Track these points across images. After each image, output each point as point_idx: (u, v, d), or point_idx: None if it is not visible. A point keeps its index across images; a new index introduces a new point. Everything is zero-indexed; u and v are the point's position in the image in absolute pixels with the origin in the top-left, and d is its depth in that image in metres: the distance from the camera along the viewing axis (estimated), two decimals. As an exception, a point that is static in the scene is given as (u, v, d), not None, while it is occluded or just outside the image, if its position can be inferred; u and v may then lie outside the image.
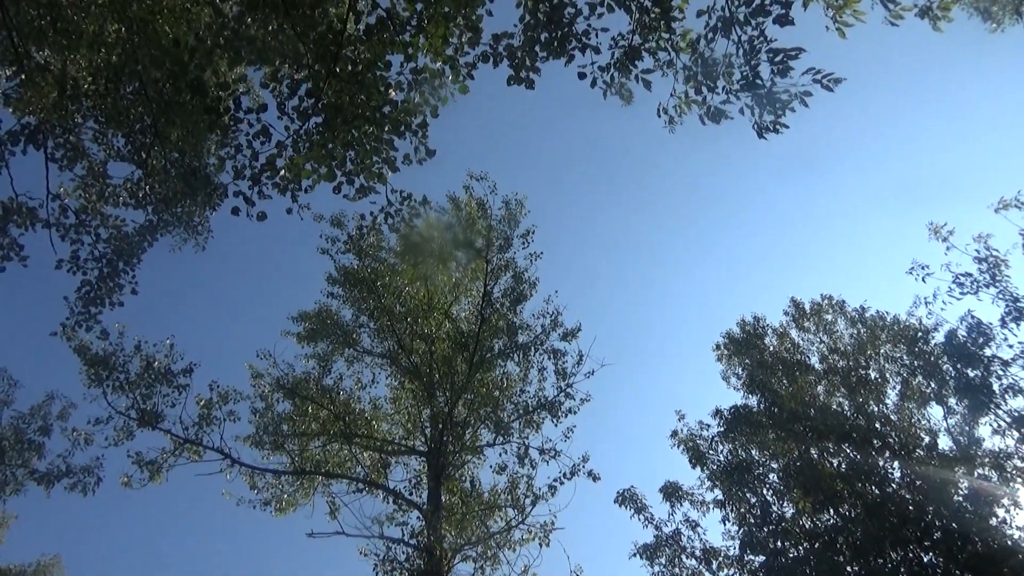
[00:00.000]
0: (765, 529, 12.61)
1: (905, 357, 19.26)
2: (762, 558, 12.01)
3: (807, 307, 25.32)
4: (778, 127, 6.64)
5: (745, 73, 6.53)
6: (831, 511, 12.62)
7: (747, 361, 22.29)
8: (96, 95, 11.45)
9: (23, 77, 10.52)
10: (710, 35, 6.47)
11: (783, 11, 6.26)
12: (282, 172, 7.33)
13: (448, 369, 17.67)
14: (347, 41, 8.05)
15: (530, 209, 18.68)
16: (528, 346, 18.18)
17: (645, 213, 56.61)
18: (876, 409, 21.42)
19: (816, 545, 12.02)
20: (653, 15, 6.54)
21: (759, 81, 6.50)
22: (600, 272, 55.15)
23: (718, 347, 23.78)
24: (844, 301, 23.76)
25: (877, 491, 12.91)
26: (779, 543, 12.26)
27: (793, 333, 24.90)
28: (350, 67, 7.97)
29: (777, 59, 6.45)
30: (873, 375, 21.91)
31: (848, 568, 11.63)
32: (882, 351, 21.39)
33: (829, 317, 24.28)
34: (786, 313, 25.26)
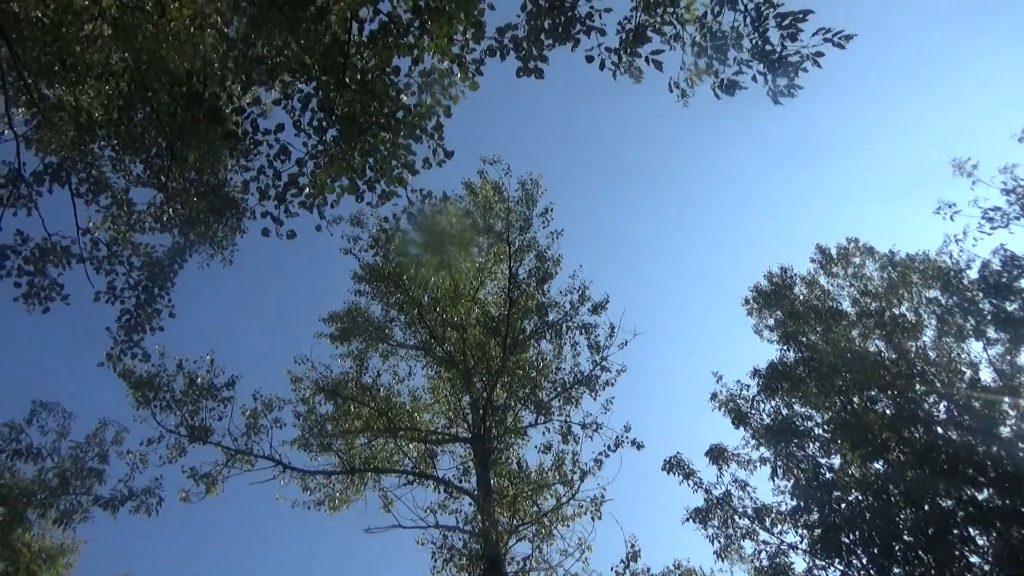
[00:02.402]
0: (815, 483, 12.69)
1: (939, 295, 19.04)
2: (815, 513, 12.09)
3: (833, 252, 25.12)
4: (792, 91, 6.61)
5: (755, 41, 6.50)
6: (880, 460, 12.64)
7: (778, 313, 22.19)
8: (109, 124, 11.62)
9: (40, 118, 10.71)
10: (716, 8, 6.43)
11: (787, -26, 6.22)
12: (306, 190, 7.43)
13: (482, 354, 17.83)
14: (353, 50, 8.10)
15: (546, 188, 18.66)
16: (559, 323, 18.30)
17: (657, 179, 56.16)
18: (914, 348, 21.30)
19: (868, 495, 12.08)
20: (656, -7, 6.50)
21: (769, 47, 6.47)
22: (621, 243, 54.97)
23: (747, 301, 23.66)
24: (871, 245, 23.52)
25: (924, 435, 12.89)
26: (831, 495, 12.34)
27: (822, 280, 24.69)
28: (359, 76, 8.03)
29: (785, 23, 6.41)
30: (908, 315, 21.76)
31: (902, 515, 11.68)
32: (914, 291, 21.19)
33: (857, 260, 24.07)
34: (812, 260, 25.04)
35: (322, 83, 8.23)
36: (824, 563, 11.14)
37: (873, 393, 14.68)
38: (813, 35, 6.43)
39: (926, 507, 11.35)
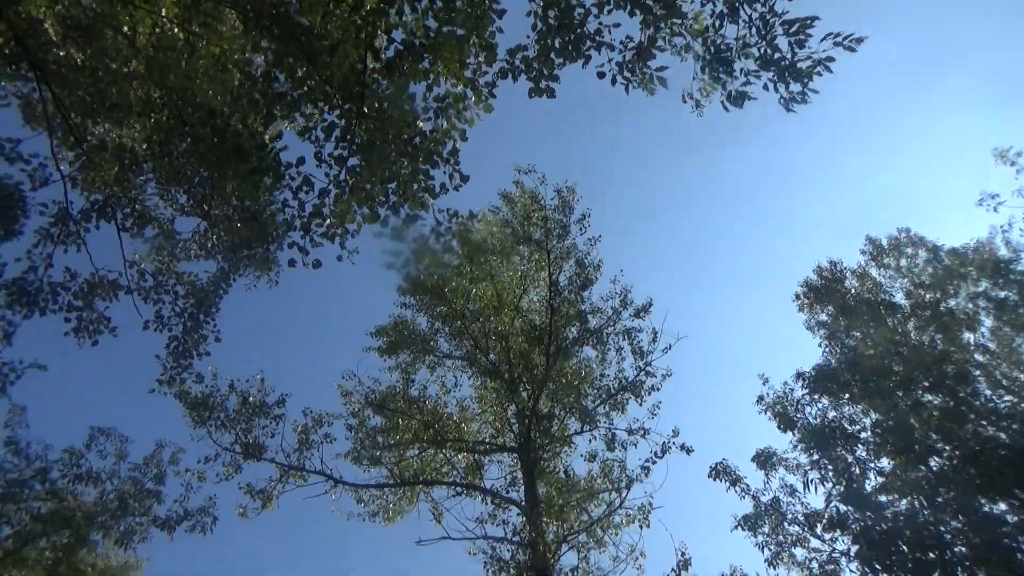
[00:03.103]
0: (862, 489, 12.33)
1: (989, 286, 18.35)
2: (868, 516, 11.75)
3: (884, 243, 24.40)
4: (805, 98, 6.49)
5: (763, 50, 6.41)
6: (926, 465, 12.21)
7: (830, 308, 21.67)
8: (153, 158, 12.08)
9: (84, 159, 11.21)
10: (717, 22, 6.36)
11: (791, -19, 6.12)
12: (327, 220, 7.62)
13: (527, 363, 17.88)
14: (370, 79, 8.26)
15: (581, 196, 18.63)
16: (601, 329, 18.23)
17: (696, 176, 55.34)
18: (972, 340, 20.56)
19: (916, 501, 11.68)
20: (659, 12, 6.46)
21: (778, 55, 6.37)
22: (661, 247, 54.35)
23: (797, 297, 23.16)
24: (922, 235, 22.81)
25: (975, 435, 12.40)
26: (878, 501, 11.98)
27: (873, 272, 24.04)
28: (376, 104, 8.19)
29: (793, 30, 6.30)
30: (966, 305, 21.01)
31: (954, 521, 11.25)
32: (968, 282, 20.47)
33: (909, 251, 23.36)
34: (863, 252, 24.41)
35: (344, 112, 8.42)
36: (876, 570, 10.81)
37: (925, 386, 14.19)
38: (822, 40, 6.32)
39: (978, 512, 10.93)
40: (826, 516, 12.20)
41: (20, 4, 10.56)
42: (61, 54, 10.99)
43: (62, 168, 11.29)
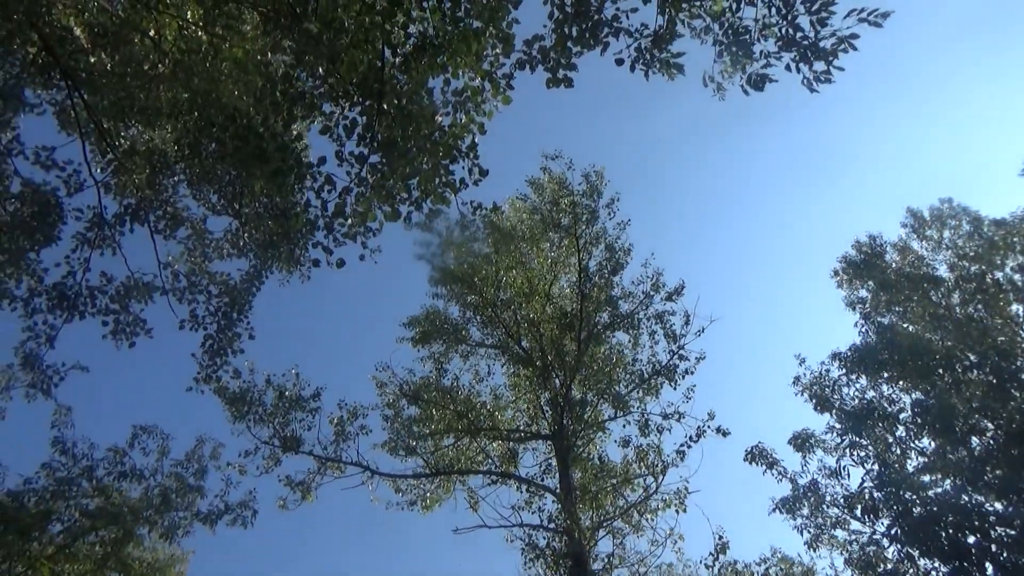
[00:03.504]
0: (901, 470, 12.10)
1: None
2: (908, 497, 11.53)
3: (926, 215, 23.76)
4: (830, 77, 6.32)
5: (784, 30, 6.25)
6: (970, 445, 11.93)
7: (870, 283, 21.21)
8: (183, 159, 12.27)
9: (116, 164, 11.42)
10: (735, 3, 6.21)
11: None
12: (350, 220, 7.65)
13: (558, 350, 17.85)
14: (388, 75, 8.25)
15: (609, 179, 18.46)
16: (633, 313, 18.11)
17: (726, 156, 54.43)
18: (1020, 311, 19.96)
19: (959, 481, 11.43)
20: (675, -5, 6.33)
21: (799, 35, 6.20)
22: (692, 229, 53.67)
23: (836, 273, 22.71)
24: (966, 205, 22.15)
25: (1021, 412, 12.05)
26: (919, 483, 11.75)
27: (915, 245, 23.44)
28: (395, 100, 8.18)
29: (815, 8, 6.13)
30: (1012, 276, 20.39)
31: (998, 503, 10.98)
32: (1017, 253, 19.85)
33: (952, 223, 22.71)
34: (904, 225, 23.79)
35: (364, 109, 8.43)
36: (912, 555, 10.63)
37: (968, 364, 13.83)
38: (846, 17, 6.14)
39: (1019, 494, 10.65)
40: (863, 499, 12.02)
41: (50, 14, 10.78)
42: (91, 60, 11.17)
43: (95, 173, 11.53)
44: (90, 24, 11.09)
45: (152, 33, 10.85)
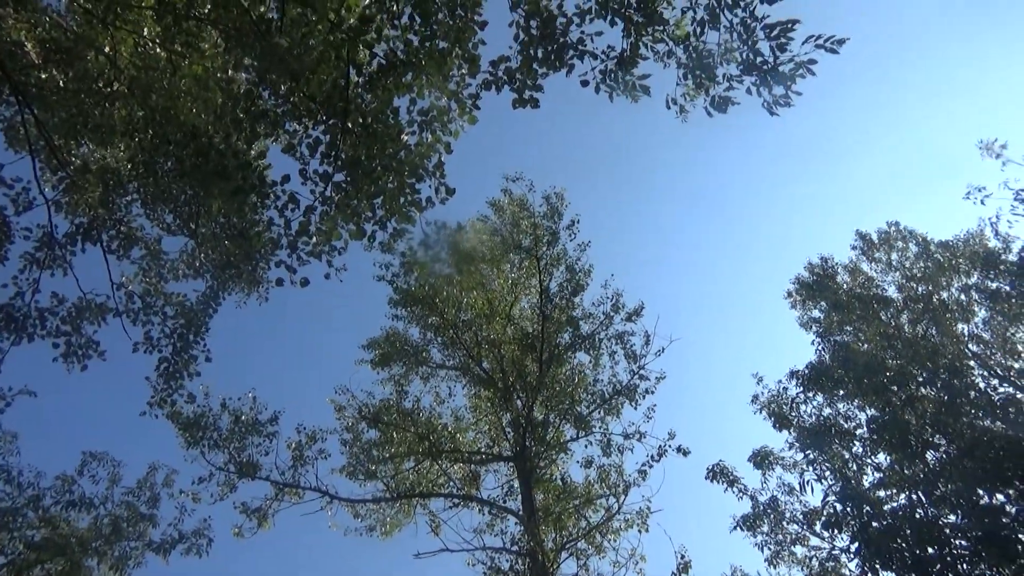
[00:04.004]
0: (858, 486, 12.35)
1: (979, 279, 18.49)
2: (866, 512, 11.75)
3: (875, 237, 24.50)
4: (788, 102, 6.49)
5: (745, 55, 6.41)
6: (925, 459, 12.24)
7: (823, 303, 21.75)
8: (137, 178, 12.00)
9: (68, 182, 11.12)
10: (698, 29, 6.36)
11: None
12: (314, 239, 7.57)
13: (520, 371, 17.84)
14: (354, 94, 8.22)
15: (570, 201, 18.63)
16: (594, 334, 18.22)
17: (679, 181, 55.49)
18: (966, 331, 20.65)
19: (914, 495, 11.71)
20: (640, 20, 6.46)
21: (760, 60, 6.37)
22: (649, 251, 54.45)
23: (790, 294, 23.29)
24: (912, 228, 22.96)
25: (971, 427, 12.43)
26: (875, 497, 12.00)
27: (865, 267, 24.15)
28: (361, 119, 8.15)
29: (774, 34, 6.31)
30: (958, 296, 21.09)
31: (953, 515, 11.27)
32: (960, 274, 20.58)
33: (900, 245, 23.45)
34: (853, 247, 24.51)
35: (328, 127, 8.38)
36: (875, 569, 10.82)
37: (920, 380, 14.23)
38: (804, 43, 6.33)
39: (977, 504, 10.94)
40: (824, 514, 12.22)
41: (0, 28, 10.50)
42: (42, 76, 10.89)
43: (46, 192, 11.20)
44: (42, 39, 10.83)
45: (107, 49, 10.64)
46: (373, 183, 7.89)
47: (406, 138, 7.97)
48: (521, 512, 15.23)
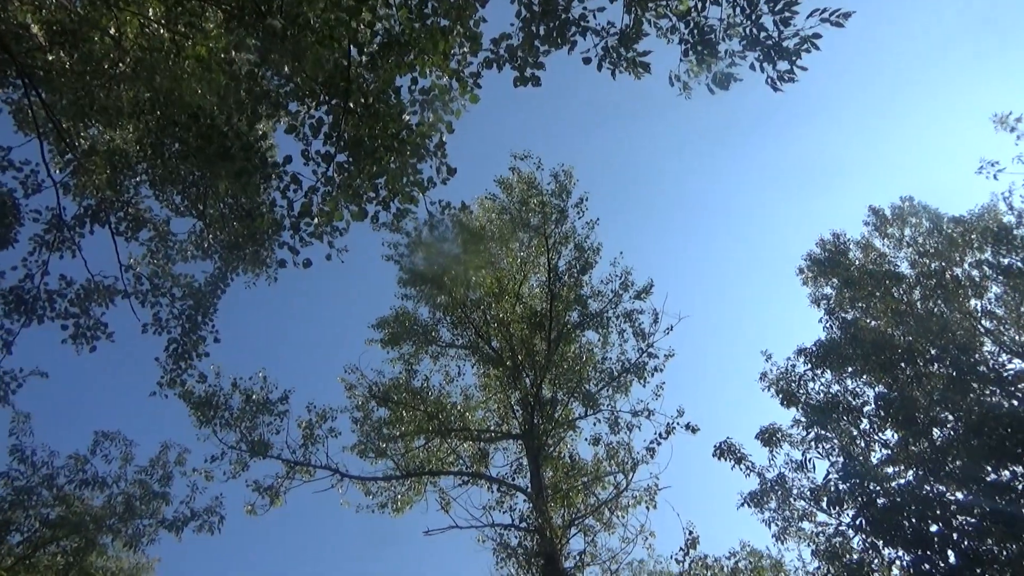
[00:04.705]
0: (865, 462, 12.34)
1: (996, 253, 18.26)
2: (872, 488, 11.75)
3: (888, 213, 24.22)
4: (793, 77, 6.41)
5: (748, 30, 6.32)
6: (932, 436, 12.20)
7: (834, 280, 21.57)
8: (145, 159, 12.03)
9: (76, 164, 11.17)
10: (700, 3, 6.27)
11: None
12: (316, 220, 7.58)
13: (529, 350, 17.88)
14: (355, 74, 8.18)
15: (578, 179, 18.54)
16: (603, 312, 18.22)
17: (693, 156, 55.00)
18: (979, 307, 20.46)
19: (921, 471, 11.69)
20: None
21: (763, 35, 6.28)
22: (660, 228, 54.16)
23: (801, 271, 23.06)
24: (926, 203, 22.67)
25: (979, 403, 12.36)
26: (882, 474, 11.99)
27: (877, 243, 23.89)
28: (363, 99, 8.11)
29: (778, 8, 6.21)
30: (971, 272, 20.87)
31: (959, 492, 11.25)
32: (974, 249, 20.35)
33: (913, 221, 23.17)
34: (866, 223, 24.22)
35: (331, 108, 8.35)
36: (877, 545, 10.85)
37: (929, 357, 14.12)
38: (808, 17, 6.23)
39: (983, 482, 10.92)
40: (830, 490, 12.24)
41: (5, 11, 10.50)
42: (49, 58, 10.90)
43: (54, 174, 11.25)
44: (48, 21, 10.82)
45: (112, 31, 10.64)
46: (375, 163, 7.87)
47: (408, 118, 7.93)
48: (530, 489, 15.34)
